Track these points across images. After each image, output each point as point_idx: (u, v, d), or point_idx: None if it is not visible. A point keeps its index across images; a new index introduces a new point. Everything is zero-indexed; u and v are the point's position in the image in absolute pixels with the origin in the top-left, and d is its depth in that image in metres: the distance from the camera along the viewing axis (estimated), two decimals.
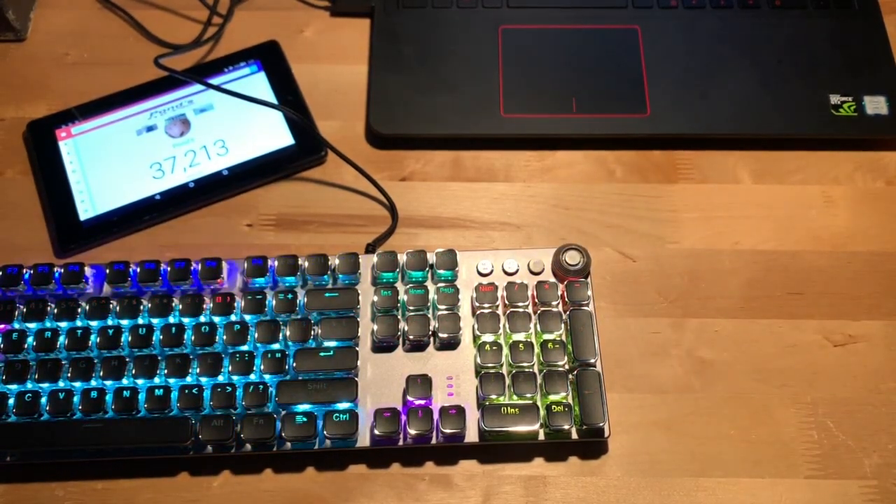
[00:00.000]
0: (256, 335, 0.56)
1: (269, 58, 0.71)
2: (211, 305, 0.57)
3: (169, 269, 0.58)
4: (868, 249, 0.64)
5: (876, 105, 0.67)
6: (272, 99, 0.69)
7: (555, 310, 0.57)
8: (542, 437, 0.55)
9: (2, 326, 0.57)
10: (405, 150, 0.68)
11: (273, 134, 0.67)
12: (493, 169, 0.67)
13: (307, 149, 0.66)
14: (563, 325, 0.57)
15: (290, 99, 0.69)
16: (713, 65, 0.69)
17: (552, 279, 0.59)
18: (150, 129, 0.68)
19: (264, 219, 0.65)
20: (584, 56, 0.70)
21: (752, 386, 0.59)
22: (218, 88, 0.63)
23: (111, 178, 0.66)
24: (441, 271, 0.58)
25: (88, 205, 0.65)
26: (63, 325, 0.57)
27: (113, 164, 0.66)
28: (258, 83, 0.70)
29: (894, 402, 0.58)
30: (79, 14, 0.74)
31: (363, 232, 0.65)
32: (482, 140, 0.68)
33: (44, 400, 0.55)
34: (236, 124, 0.65)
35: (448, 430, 0.54)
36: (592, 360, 0.56)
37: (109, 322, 0.57)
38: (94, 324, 0.57)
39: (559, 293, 0.58)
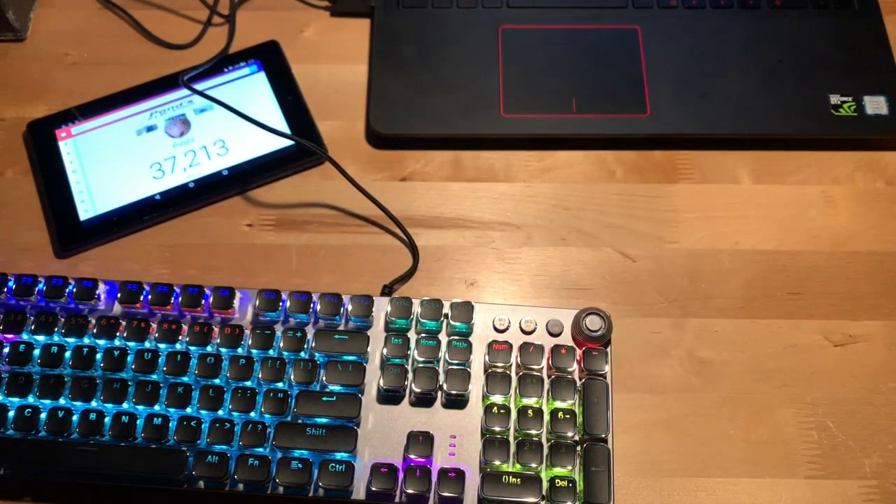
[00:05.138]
0: (261, 373, 0.55)
1: (269, 58, 0.71)
2: (219, 337, 0.56)
3: (181, 294, 0.57)
4: (868, 249, 0.64)
5: (876, 105, 0.67)
6: (272, 99, 0.69)
7: (569, 377, 0.55)
8: None
9: (10, 336, 0.57)
10: (405, 150, 0.68)
11: (273, 134, 0.67)
12: (493, 169, 0.67)
13: (307, 149, 0.66)
14: (576, 395, 0.55)
15: (290, 99, 0.69)
16: (713, 65, 0.69)
17: (570, 343, 0.57)
18: (150, 129, 0.68)
19: (264, 219, 0.65)
20: (584, 56, 0.70)
21: (752, 386, 0.59)
22: (254, 121, 0.63)
23: (111, 178, 0.66)
24: (455, 324, 0.56)
25: (88, 205, 0.65)
26: (70, 340, 0.56)
27: (113, 164, 0.66)
28: (258, 83, 0.70)
29: (894, 402, 0.58)
30: (79, 14, 0.74)
31: (363, 232, 0.65)
32: (482, 140, 0.68)
33: (43, 417, 0.54)
34: (236, 124, 0.65)
35: (445, 494, 0.52)
36: (604, 436, 0.54)
37: (116, 343, 0.56)
38: (100, 342, 0.56)
39: (576, 359, 0.56)
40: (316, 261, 0.64)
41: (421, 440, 0.53)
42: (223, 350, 0.56)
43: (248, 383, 0.55)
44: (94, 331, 0.56)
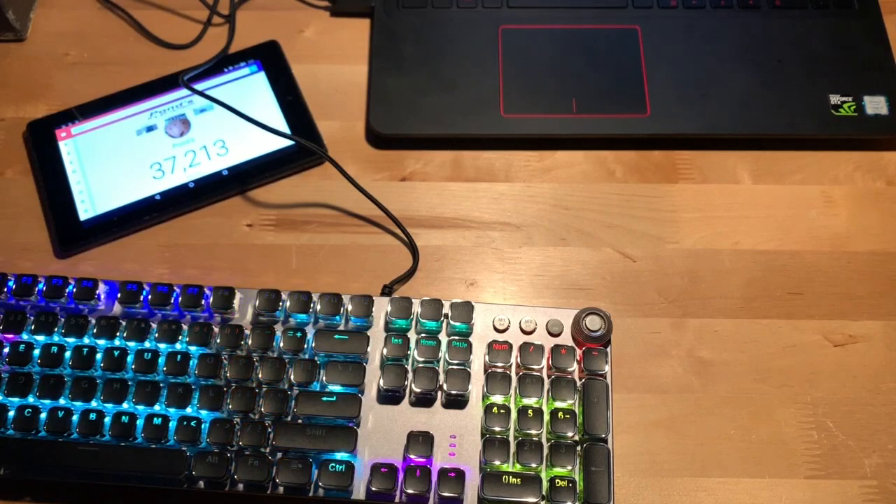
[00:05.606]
0: (261, 373, 0.55)
1: (269, 58, 0.71)
2: (219, 337, 0.56)
3: (181, 294, 0.57)
4: (868, 249, 0.64)
5: (876, 105, 0.67)
6: (272, 99, 0.69)
7: (569, 377, 0.55)
8: None
9: (10, 336, 0.57)
10: (405, 150, 0.68)
11: (273, 134, 0.67)
12: (493, 169, 0.67)
13: (307, 149, 0.66)
14: (576, 395, 0.55)
15: (289, 99, 0.69)
16: (713, 65, 0.69)
17: (570, 343, 0.57)
18: (150, 129, 0.68)
19: (264, 219, 0.65)
20: (584, 56, 0.70)
21: (752, 386, 0.59)
22: (254, 121, 0.63)
23: (111, 178, 0.66)
24: (455, 324, 0.56)
25: (88, 205, 0.65)
26: (70, 340, 0.56)
27: (113, 164, 0.66)
28: (258, 83, 0.70)
29: (894, 402, 0.58)
30: (79, 14, 0.74)
31: (363, 232, 0.65)
32: (482, 140, 0.68)
33: (43, 417, 0.54)
34: (236, 124, 0.65)
35: (445, 494, 0.52)
36: (604, 436, 0.54)
37: (116, 343, 0.56)
38: (100, 342, 0.56)
39: (576, 359, 0.56)
40: (316, 261, 0.64)
41: (421, 440, 0.53)
42: (223, 350, 0.56)
43: (248, 383, 0.55)
44: (94, 331, 0.56)
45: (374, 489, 0.52)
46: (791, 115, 0.67)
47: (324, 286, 0.62)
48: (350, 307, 0.57)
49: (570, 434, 0.54)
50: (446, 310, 0.57)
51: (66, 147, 0.67)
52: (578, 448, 0.54)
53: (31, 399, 0.55)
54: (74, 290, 0.57)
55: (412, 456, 0.53)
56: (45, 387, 0.55)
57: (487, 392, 0.55)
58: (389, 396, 0.56)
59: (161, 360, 0.56)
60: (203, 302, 0.57)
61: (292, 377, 0.55)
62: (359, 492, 0.53)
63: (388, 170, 0.67)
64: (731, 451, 0.57)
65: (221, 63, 0.70)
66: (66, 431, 0.54)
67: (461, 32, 0.71)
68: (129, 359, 0.56)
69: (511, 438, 0.54)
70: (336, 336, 0.56)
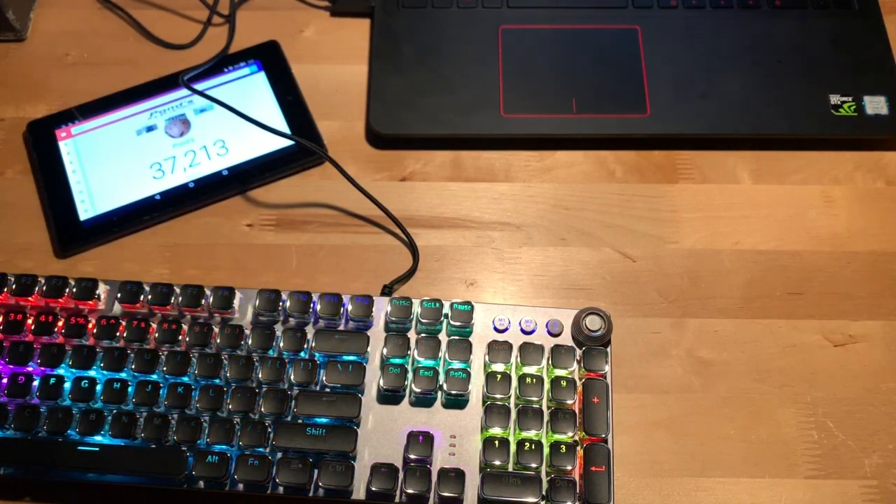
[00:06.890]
0: (261, 373, 0.55)
1: (269, 58, 0.71)
2: (219, 337, 0.56)
3: (181, 294, 0.57)
4: (868, 249, 0.64)
5: (876, 105, 0.67)
6: (272, 99, 0.69)
7: (569, 377, 0.55)
8: None
9: (10, 337, 0.57)
10: (405, 150, 0.68)
11: (273, 134, 0.67)
12: (493, 169, 0.67)
13: (307, 149, 0.66)
14: (576, 395, 0.55)
15: (289, 99, 0.69)
16: (713, 65, 0.69)
17: (570, 343, 0.57)
18: (150, 129, 0.68)
19: (264, 219, 0.65)
20: (584, 56, 0.70)
21: (752, 386, 0.59)
22: (254, 121, 0.63)
23: (111, 178, 0.66)
24: (455, 324, 0.56)
25: (88, 205, 0.65)
26: (71, 341, 0.56)
27: (113, 164, 0.66)
28: (258, 83, 0.70)
29: (894, 402, 0.58)
30: (79, 14, 0.75)
31: (363, 232, 0.65)
32: (482, 140, 0.68)
33: (43, 416, 0.54)
34: (236, 124, 0.65)
35: (446, 494, 0.52)
36: (604, 436, 0.54)
37: (116, 343, 0.56)
38: (101, 342, 0.56)
39: (576, 359, 0.56)
40: (316, 261, 0.64)
41: (421, 440, 0.53)
42: (223, 350, 0.56)
43: (248, 383, 0.55)
44: (95, 331, 0.56)
45: (374, 489, 0.52)
46: (791, 115, 0.67)
47: (324, 286, 0.62)
48: (350, 307, 0.57)
49: (570, 434, 0.54)
50: (446, 310, 0.57)
51: (66, 147, 0.67)
52: (578, 448, 0.54)
53: (31, 399, 0.55)
54: (74, 290, 0.57)
55: (412, 456, 0.53)
56: (45, 387, 0.55)
57: (487, 392, 0.55)
58: (389, 396, 0.56)
59: (161, 359, 0.55)
60: (203, 302, 0.57)
61: (292, 377, 0.55)
62: (359, 492, 0.53)
63: (388, 170, 0.67)
64: (731, 451, 0.57)
65: (221, 63, 0.70)
66: (66, 431, 0.54)
67: (461, 32, 0.71)
68: (130, 359, 0.56)
69: (511, 438, 0.54)
70: (336, 336, 0.56)
